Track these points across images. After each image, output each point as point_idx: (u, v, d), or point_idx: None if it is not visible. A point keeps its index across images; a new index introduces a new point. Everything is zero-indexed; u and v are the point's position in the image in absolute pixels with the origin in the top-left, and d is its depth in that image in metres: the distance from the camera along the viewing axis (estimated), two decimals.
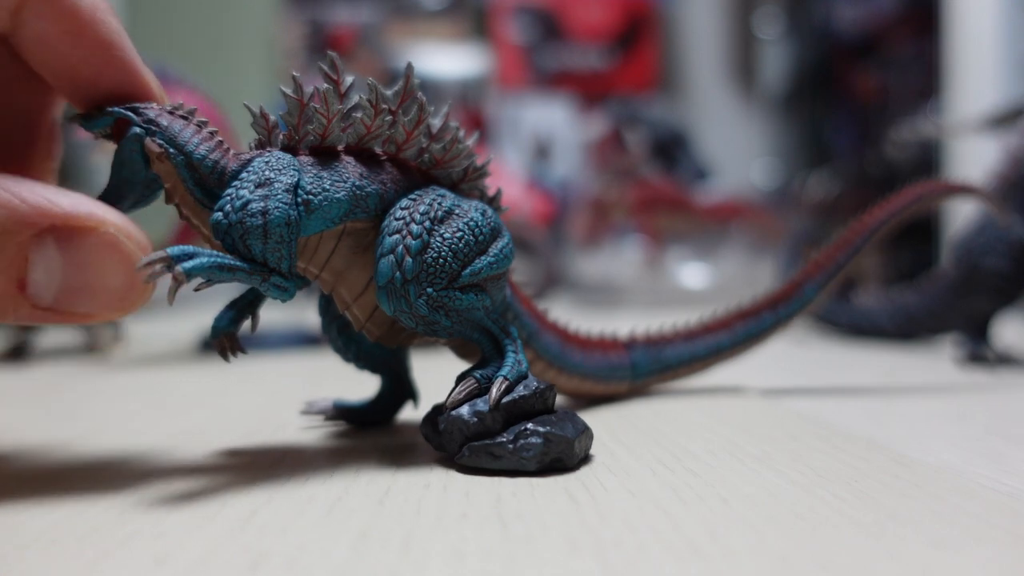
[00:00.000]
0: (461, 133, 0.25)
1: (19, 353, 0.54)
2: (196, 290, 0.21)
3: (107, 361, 0.53)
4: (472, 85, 1.94)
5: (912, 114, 1.35)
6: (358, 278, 0.24)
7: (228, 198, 0.21)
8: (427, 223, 0.23)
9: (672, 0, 1.97)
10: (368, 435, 0.28)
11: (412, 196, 0.24)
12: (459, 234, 0.23)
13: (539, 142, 1.72)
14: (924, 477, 0.22)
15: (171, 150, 0.22)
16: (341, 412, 0.29)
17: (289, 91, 0.23)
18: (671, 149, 1.18)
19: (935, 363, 0.50)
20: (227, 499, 0.20)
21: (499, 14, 1.89)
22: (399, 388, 0.29)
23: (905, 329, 0.57)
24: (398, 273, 0.22)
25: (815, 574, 0.15)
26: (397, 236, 0.23)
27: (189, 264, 0.20)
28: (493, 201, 0.27)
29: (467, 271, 0.23)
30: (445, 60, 1.93)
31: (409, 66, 0.24)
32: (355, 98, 0.23)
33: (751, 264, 1.08)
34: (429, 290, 0.23)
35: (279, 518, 0.18)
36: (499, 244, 0.24)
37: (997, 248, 0.48)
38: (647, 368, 0.34)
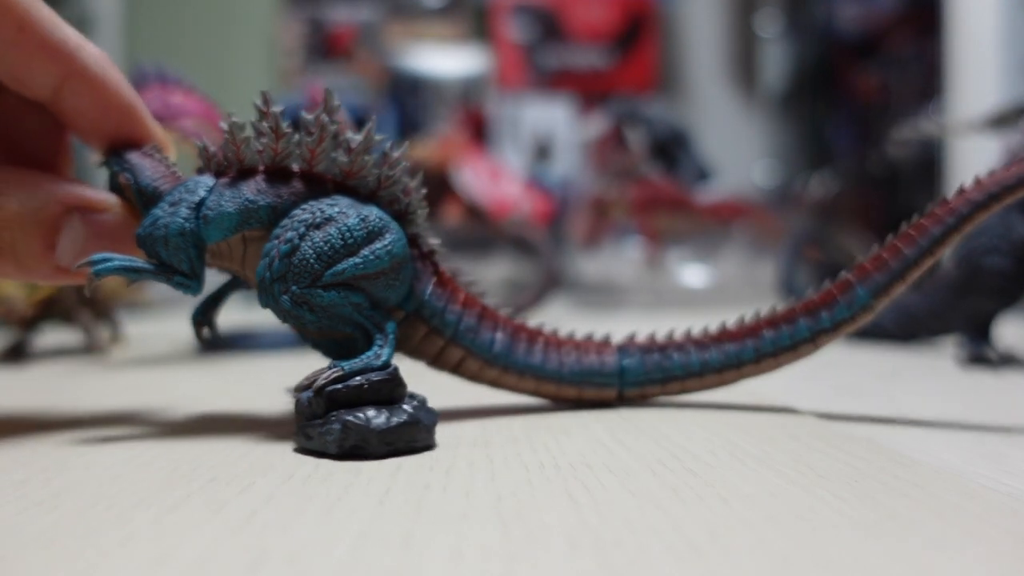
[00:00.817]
0: (376, 146, 0.28)
1: (18, 353, 0.54)
2: (128, 285, 0.28)
3: (106, 361, 0.53)
4: (472, 85, 1.94)
5: (913, 113, 1.35)
6: None
7: (148, 215, 0.27)
8: (303, 229, 0.26)
9: (672, 0, 1.97)
10: None
11: (304, 206, 0.27)
12: (327, 238, 0.26)
13: (539, 142, 1.72)
14: (924, 477, 0.22)
15: (132, 181, 0.28)
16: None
17: (225, 126, 0.27)
18: (671, 148, 1.18)
19: (937, 363, 0.50)
20: (227, 499, 0.20)
21: (499, 13, 1.89)
22: None
23: (908, 330, 0.57)
24: (267, 273, 0.26)
25: (815, 574, 0.15)
26: (275, 241, 0.26)
27: (100, 266, 0.26)
28: (408, 208, 0.29)
29: (330, 271, 0.26)
30: (445, 60, 1.92)
31: (327, 92, 0.27)
32: (266, 126, 0.27)
33: (751, 264, 1.08)
34: (293, 288, 0.26)
35: (279, 518, 0.18)
36: (373, 247, 0.27)
37: (1000, 247, 0.48)
38: (640, 375, 0.32)
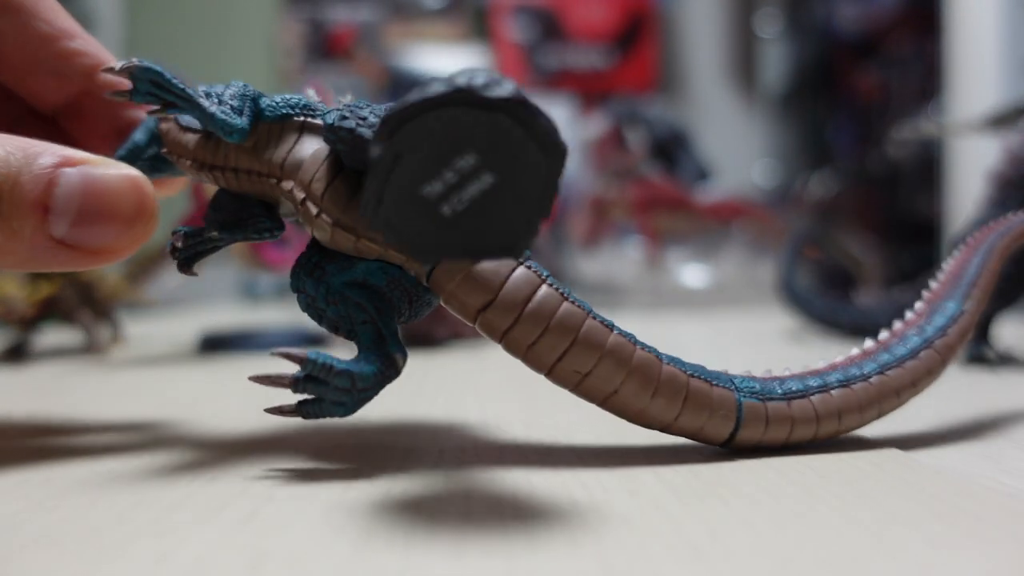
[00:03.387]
0: None
1: (18, 353, 0.54)
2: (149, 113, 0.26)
3: (106, 361, 0.53)
4: None
5: (913, 113, 1.35)
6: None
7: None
8: None
9: (672, 0, 1.97)
10: (368, 434, 0.28)
11: None
12: None
13: None
14: (924, 477, 0.22)
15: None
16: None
17: None
18: (671, 148, 1.18)
19: None
20: (227, 499, 0.20)
21: (499, 13, 1.89)
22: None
23: None
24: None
25: (815, 574, 0.15)
26: None
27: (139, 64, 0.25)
28: None
29: None
30: (445, 60, 1.92)
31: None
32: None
33: (752, 264, 1.08)
34: None
35: (279, 518, 0.18)
36: None
37: None
38: None
